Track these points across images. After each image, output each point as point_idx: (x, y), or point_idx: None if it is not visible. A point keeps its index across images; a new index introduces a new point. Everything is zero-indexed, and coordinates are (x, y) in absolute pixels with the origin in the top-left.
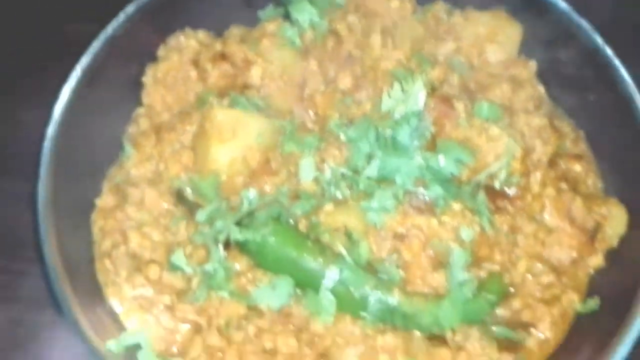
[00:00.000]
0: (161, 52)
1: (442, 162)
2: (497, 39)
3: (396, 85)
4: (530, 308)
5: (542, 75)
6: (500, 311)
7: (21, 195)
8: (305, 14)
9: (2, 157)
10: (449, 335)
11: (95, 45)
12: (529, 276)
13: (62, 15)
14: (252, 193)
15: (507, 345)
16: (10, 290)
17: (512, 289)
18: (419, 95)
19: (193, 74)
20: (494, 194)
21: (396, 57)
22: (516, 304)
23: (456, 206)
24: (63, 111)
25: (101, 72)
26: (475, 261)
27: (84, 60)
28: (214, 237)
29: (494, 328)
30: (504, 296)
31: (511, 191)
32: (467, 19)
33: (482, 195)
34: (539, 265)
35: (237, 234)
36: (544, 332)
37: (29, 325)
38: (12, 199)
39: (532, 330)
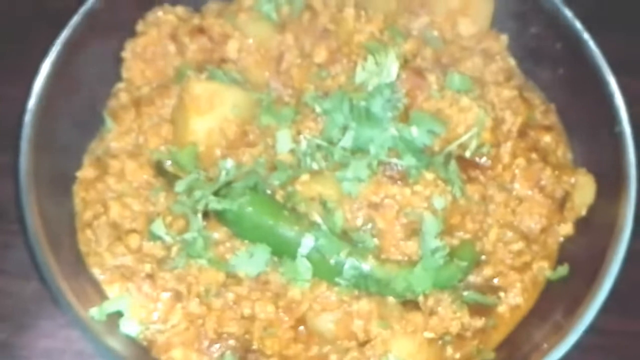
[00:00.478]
0: (140, 27)
1: (415, 132)
2: (469, 12)
3: (370, 58)
4: (501, 275)
5: (514, 49)
6: (472, 278)
7: (3, 168)
8: None
9: None
10: (421, 300)
11: (76, 20)
12: (500, 244)
13: None
14: (229, 163)
15: (478, 310)
16: None
17: (483, 257)
18: (391, 67)
19: (172, 48)
20: (465, 164)
21: (369, 30)
22: (488, 271)
23: (429, 176)
24: (43, 85)
25: (81, 46)
26: (447, 229)
27: (64, 34)
28: (192, 207)
29: (465, 293)
30: (476, 263)
31: (482, 161)
32: None
33: (453, 165)
34: (510, 234)
35: (215, 204)
36: (515, 298)
37: (14, 296)
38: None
39: (503, 295)
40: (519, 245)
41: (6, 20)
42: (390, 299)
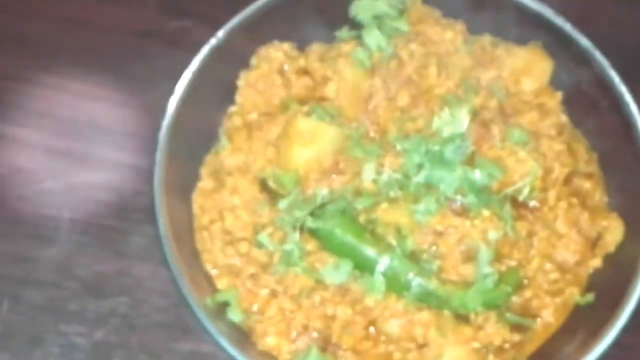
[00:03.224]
0: (253, 60)
1: (478, 175)
2: (531, 71)
3: (446, 109)
4: (538, 297)
5: (565, 102)
6: (515, 298)
7: (132, 167)
8: (374, 39)
9: (125, 135)
10: (472, 316)
11: (203, 52)
12: (540, 272)
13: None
14: (324, 190)
15: (516, 327)
16: (119, 245)
17: (525, 282)
18: (463, 120)
19: (278, 81)
20: (517, 205)
21: (447, 85)
22: (528, 294)
23: (486, 212)
24: (176, 105)
25: (206, 73)
26: (497, 257)
27: (194, 64)
28: (292, 223)
29: (508, 314)
30: (519, 287)
31: (531, 203)
32: (508, 51)
33: (507, 205)
34: (549, 264)
35: (310, 223)
36: (548, 318)
37: (134, 275)
38: (128, 171)
39: (539, 320)
40: (555, 274)
41: (127, 36)
42: (447, 313)
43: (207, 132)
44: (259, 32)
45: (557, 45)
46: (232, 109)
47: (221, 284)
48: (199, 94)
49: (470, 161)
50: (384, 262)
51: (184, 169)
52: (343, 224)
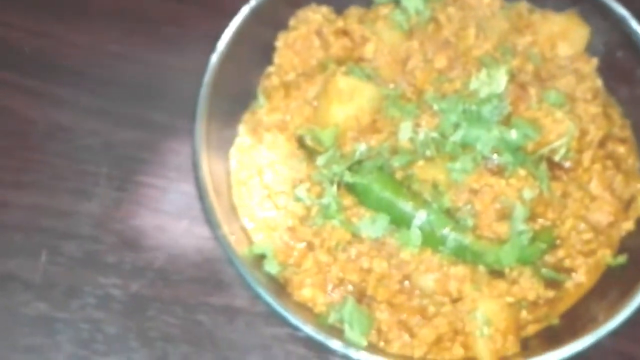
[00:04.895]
0: (292, 22)
1: (514, 135)
2: (568, 37)
3: (483, 70)
4: (571, 257)
5: (601, 70)
6: (548, 257)
7: (172, 127)
8: (412, 2)
9: (162, 95)
10: (507, 271)
11: (243, 12)
12: (573, 232)
13: None
14: (362, 146)
15: (550, 283)
16: (156, 202)
17: (559, 241)
18: (501, 80)
19: (316, 43)
20: (552, 165)
21: (485, 48)
22: (561, 253)
23: (522, 172)
24: (216, 63)
25: (245, 35)
26: (532, 216)
27: (234, 23)
28: (329, 178)
29: (542, 270)
30: (552, 246)
31: (566, 164)
32: (544, 17)
33: (543, 165)
34: (582, 225)
35: (348, 178)
36: (580, 277)
37: (169, 231)
38: (167, 130)
39: (572, 274)
40: (588, 235)
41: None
42: (481, 268)
43: (245, 91)
44: None
45: (594, 13)
46: (270, 69)
47: (258, 237)
48: (238, 54)
49: (507, 121)
50: (420, 217)
51: (222, 127)
52: (380, 179)
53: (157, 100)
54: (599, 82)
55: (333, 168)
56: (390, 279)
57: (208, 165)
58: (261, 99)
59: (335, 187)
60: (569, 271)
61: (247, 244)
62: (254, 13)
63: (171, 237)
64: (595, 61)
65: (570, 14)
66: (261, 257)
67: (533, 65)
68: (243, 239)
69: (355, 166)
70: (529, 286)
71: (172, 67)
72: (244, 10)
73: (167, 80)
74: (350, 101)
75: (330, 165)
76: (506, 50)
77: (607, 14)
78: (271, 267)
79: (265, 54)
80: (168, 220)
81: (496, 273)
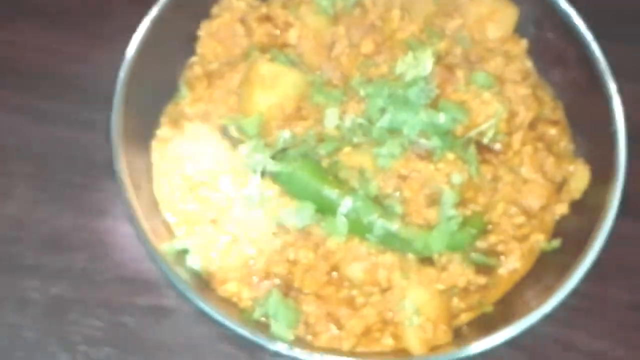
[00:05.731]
0: (215, 10)
1: (442, 118)
2: (495, 18)
3: (409, 53)
4: (504, 243)
5: (532, 52)
6: (479, 243)
7: (92, 122)
8: None
9: (78, 90)
10: (436, 258)
11: (162, 2)
12: (505, 217)
13: None
14: (286, 133)
15: (482, 269)
16: (80, 201)
17: (490, 226)
18: (427, 62)
19: (240, 30)
20: (482, 148)
21: (411, 30)
22: (493, 238)
23: (450, 156)
24: (133, 55)
25: (164, 25)
26: (462, 202)
27: (153, 13)
28: (253, 167)
29: (472, 254)
30: (484, 231)
31: (496, 147)
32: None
33: (472, 149)
34: (514, 209)
35: (272, 166)
36: (514, 263)
37: (93, 230)
38: (86, 126)
39: (503, 258)
40: (520, 219)
41: None
42: (410, 256)
43: (168, 83)
44: None
45: None
46: (193, 59)
47: (180, 231)
48: (157, 45)
49: (434, 105)
50: (346, 204)
51: (143, 120)
52: (305, 167)
53: (76, 95)
54: (528, 64)
55: (256, 157)
56: (318, 270)
57: (126, 159)
58: (183, 90)
59: (258, 177)
60: (500, 256)
61: (170, 240)
62: (174, 3)
63: (94, 237)
64: (524, 42)
65: None
66: (184, 253)
67: (461, 48)
68: (165, 235)
69: (280, 154)
70: (460, 272)
71: (95, 61)
72: (162, 1)
73: (87, 74)
74: (273, 88)
75: (253, 155)
76: (432, 33)
77: None
78: (194, 261)
79: (188, 44)
80: (90, 219)
81: (426, 261)
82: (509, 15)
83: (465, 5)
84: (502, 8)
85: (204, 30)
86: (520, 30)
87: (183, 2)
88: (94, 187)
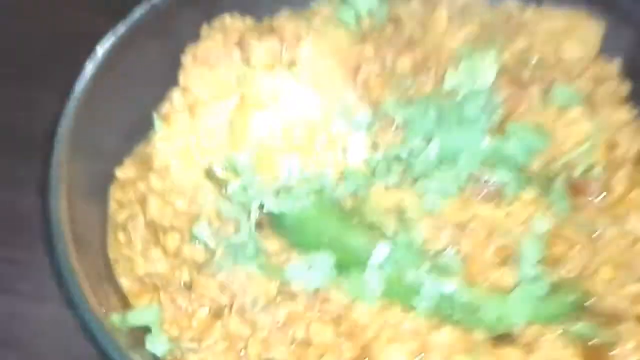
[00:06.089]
0: (204, 32)
1: (512, 146)
2: (574, 35)
3: (463, 62)
4: (615, 319)
5: (630, 73)
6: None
7: (31, 179)
8: (363, 2)
9: (15, 139)
10: (516, 333)
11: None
12: (612, 285)
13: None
14: (292, 163)
15: (590, 351)
16: (9, 281)
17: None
18: (488, 72)
19: (236, 54)
20: (572, 186)
21: (463, 34)
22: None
23: (527, 194)
24: (83, 89)
25: (133, 47)
26: (549, 261)
27: (120, 31)
28: (245, 204)
29: (576, 326)
30: (580, 307)
31: (593, 186)
32: (541, 14)
33: (560, 184)
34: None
35: (272, 204)
36: (635, 352)
37: (30, 320)
38: (20, 182)
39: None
40: (636, 288)
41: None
42: (478, 332)
43: (136, 118)
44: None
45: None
46: (173, 90)
47: (139, 303)
48: (121, 72)
49: (501, 130)
50: (380, 252)
51: (101, 163)
52: (320, 205)
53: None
54: (626, 86)
55: (249, 192)
56: (340, 355)
57: (68, 210)
58: (157, 125)
59: (252, 220)
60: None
61: (122, 313)
62: (153, 16)
63: (33, 328)
64: (616, 63)
65: (574, 9)
66: (144, 331)
67: (531, 69)
68: (118, 308)
69: (284, 192)
70: (556, 353)
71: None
72: (139, 10)
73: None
74: (274, 109)
75: (246, 191)
76: (494, 39)
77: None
78: (157, 344)
79: (166, 71)
80: (28, 304)
81: (502, 338)
82: (592, 32)
83: (532, 21)
84: (581, 23)
85: (189, 55)
86: (607, 49)
87: (163, 18)
88: (32, 262)
